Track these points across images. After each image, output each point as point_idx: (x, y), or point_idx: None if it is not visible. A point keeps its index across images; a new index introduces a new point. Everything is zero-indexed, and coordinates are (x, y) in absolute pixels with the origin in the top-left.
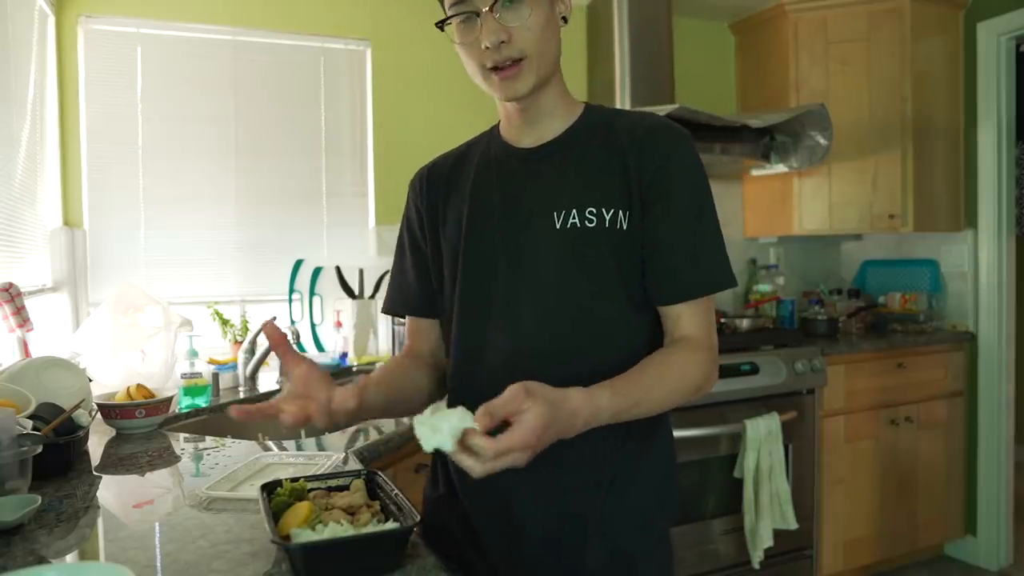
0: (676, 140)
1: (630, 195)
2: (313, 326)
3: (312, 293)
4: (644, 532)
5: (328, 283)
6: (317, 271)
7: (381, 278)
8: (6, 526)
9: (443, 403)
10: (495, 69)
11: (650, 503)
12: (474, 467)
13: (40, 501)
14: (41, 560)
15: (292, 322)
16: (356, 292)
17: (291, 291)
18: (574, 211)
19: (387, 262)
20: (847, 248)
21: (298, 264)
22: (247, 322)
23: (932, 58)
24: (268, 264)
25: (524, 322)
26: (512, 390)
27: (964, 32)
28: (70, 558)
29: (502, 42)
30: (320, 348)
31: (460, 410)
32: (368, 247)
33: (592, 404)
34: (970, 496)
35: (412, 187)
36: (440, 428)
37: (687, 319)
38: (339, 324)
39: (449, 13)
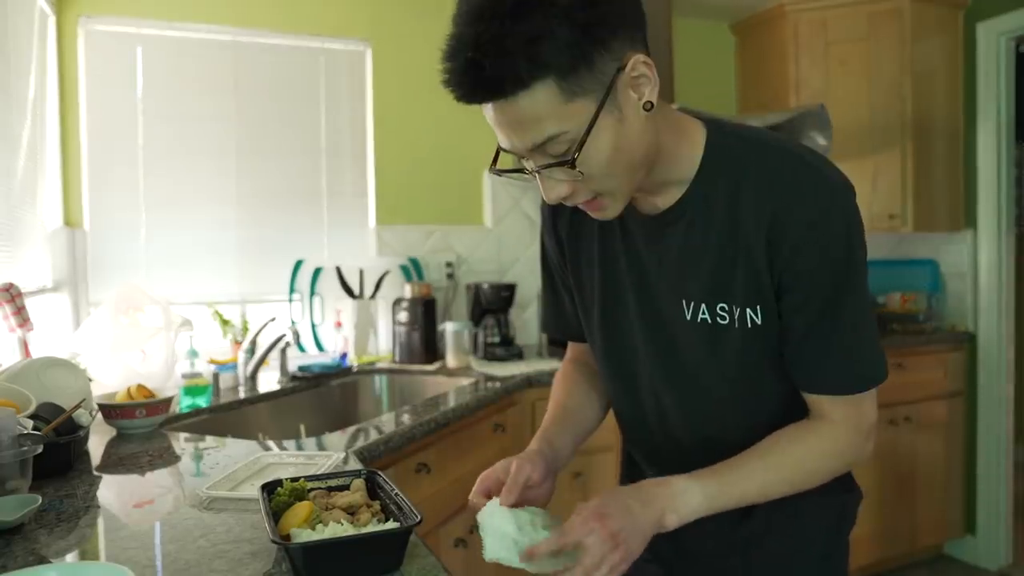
0: (815, 209)
1: (760, 288)
2: (313, 326)
3: (312, 293)
4: None
5: (328, 283)
6: (317, 271)
7: (381, 278)
8: (6, 526)
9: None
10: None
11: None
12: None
13: (40, 501)
14: (41, 560)
15: (292, 322)
16: (356, 292)
17: (291, 291)
18: (703, 306)
19: (387, 262)
20: None
21: (298, 264)
22: (247, 322)
23: (932, 58)
24: (268, 264)
25: (669, 403)
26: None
27: (964, 32)
28: (70, 558)
29: (565, 197)
30: (320, 348)
31: (525, 515)
32: (368, 247)
33: (668, 483)
34: (970, 496)
35: (541, 216)
36: (502, 538)
37: (828, 405)
38: (339, 324)
39: (502, 167)
